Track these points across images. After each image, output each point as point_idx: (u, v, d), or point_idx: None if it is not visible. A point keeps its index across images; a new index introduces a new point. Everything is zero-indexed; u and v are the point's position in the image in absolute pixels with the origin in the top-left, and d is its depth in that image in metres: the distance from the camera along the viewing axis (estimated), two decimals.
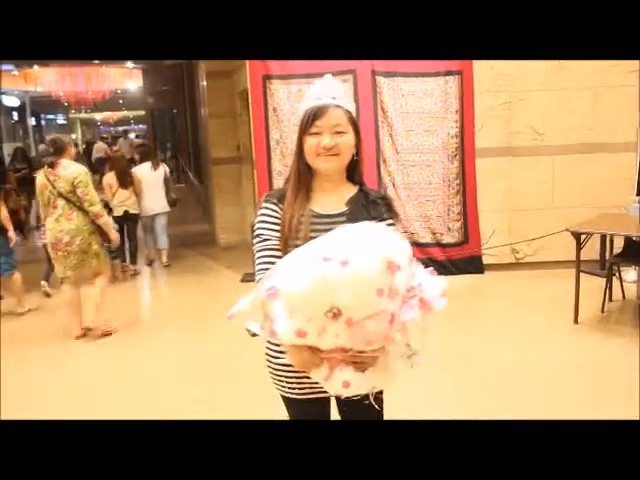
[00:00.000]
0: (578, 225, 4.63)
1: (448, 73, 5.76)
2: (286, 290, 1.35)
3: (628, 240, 4.69)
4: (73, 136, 28.80)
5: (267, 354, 1.73)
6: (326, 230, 1.53)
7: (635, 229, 4.52)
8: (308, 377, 1.58)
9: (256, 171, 6.01)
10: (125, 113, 29.68)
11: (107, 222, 4.75)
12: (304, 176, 1.67)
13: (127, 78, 16.94)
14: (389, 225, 1.64)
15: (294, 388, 1.69)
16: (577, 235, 4.49)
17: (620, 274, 4.99)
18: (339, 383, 1.44)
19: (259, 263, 1.63)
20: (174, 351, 4.52)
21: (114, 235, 4.80)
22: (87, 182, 4.54)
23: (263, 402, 3.44)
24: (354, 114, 1.67)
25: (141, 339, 4.83)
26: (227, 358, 4.27)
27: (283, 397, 1.75)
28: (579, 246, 4.49)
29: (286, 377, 1.68)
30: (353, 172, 1.72)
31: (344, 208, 1.67)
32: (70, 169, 4.53)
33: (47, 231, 4.59)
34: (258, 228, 1.67)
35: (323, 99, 1.63)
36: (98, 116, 30.35)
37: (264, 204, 1.69)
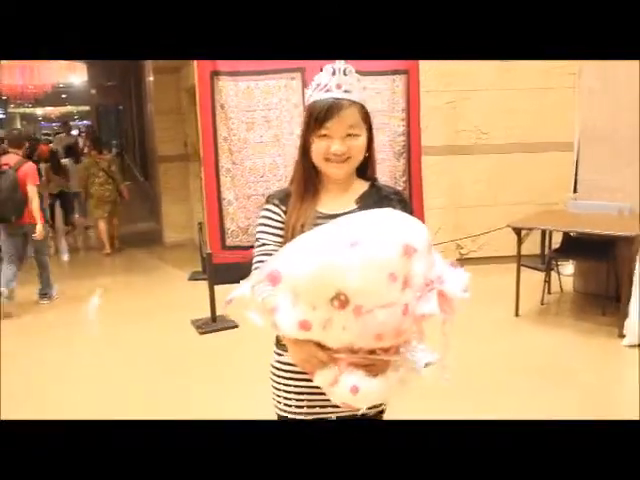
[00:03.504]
0: (519, 221, 4.78)
1: (395, 72, 5.83)
2: (289, 273, 1.22)
3: (566, 235, 4.88)
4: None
5: (273, 365, 1.56)
6: None
7: (572, 225, 4.70)
8: (321, 394, 1.38)
9: (203, 168, 5.93)
10: (69, 108, 28.83)
11: (125, 185, 8.29)
12: (309, 177, 1.50)
13: (70, 72, 16.29)
14: None
15: (302, 407, 1.50)
16: (517, 231, 4.64)
17: (558, 268, 5.19)
18: (346, 388, 1.27)
19: (255, 269, 1.49)
20: (119, 349, 4.42)
21: (126, 192, 8.12)
22: (116, 163, 8.43)
23: (215, 398, 3.43)
24: (367, 107, 1.47)
25: (85, 338, 4.72)
26: (174, 355, 4.22)
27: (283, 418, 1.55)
28: (519, 241, 4.63)
29: (295, 393, 1.50)
30: (364, 168, 1.55)
31: (353, 206, 1.51)
32: (107, 155, 8.29)
33: (94, 191, 7.72)
34: (258, 231, 1.54)
35: (334, 92, 1.41)
36: (39, 111, 29.36)
37: (266, 205, 1.55)
